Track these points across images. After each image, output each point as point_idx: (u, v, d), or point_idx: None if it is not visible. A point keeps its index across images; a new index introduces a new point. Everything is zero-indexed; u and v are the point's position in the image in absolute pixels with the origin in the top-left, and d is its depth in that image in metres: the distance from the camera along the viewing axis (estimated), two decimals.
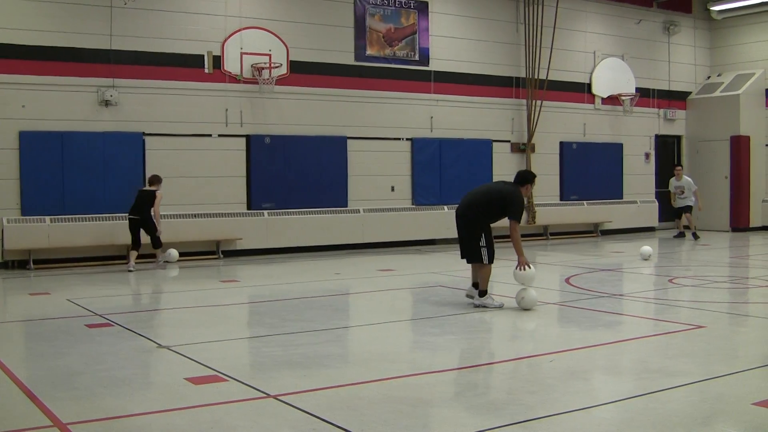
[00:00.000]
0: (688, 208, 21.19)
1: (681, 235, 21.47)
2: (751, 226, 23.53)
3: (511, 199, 10.67)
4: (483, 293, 10.81)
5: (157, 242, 15.68)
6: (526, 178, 11.10)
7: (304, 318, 10.27)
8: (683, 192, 21.29)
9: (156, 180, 15.74)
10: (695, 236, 21.02)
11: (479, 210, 10.75)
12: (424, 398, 6.59)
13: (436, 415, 6.20)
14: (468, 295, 11.17)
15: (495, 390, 6.88)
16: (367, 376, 7.16)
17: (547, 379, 7.22)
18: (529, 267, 10.67)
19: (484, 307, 10.72)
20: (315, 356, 8.05)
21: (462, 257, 11.12)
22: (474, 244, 10.74)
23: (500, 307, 10.67)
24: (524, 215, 21.32)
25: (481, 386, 6.97)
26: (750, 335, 9.49)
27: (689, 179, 21.38)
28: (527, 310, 10.56)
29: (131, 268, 15.27)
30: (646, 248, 16.77)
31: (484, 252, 10.71)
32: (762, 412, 6.09)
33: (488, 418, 6.01)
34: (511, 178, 20.93)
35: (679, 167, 21.80)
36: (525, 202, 10.94)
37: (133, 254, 15.50)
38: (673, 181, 21.65)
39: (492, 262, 10.81)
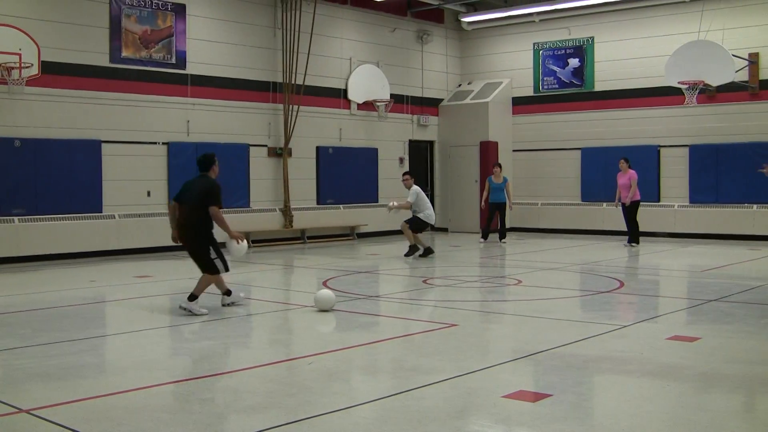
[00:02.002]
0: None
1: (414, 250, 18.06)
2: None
3: (209, 190, 10.73)
4: (194, 297, 10.69)
5: None
6: (206, 162, 11.07)
7: (57, 328, 9.92)
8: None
9: None
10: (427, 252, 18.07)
11: (199, 216, 10.70)
12: (182, 405, 6.53)
13: (193, 421, 6.15)
14: (225, 304, 11.19)
15: (255, 394, 6.89)
16: (125, 385, 7.01)
17: (306, 381, 7.30)
18: (243, 240, 10.90)
19: (190, 312, 10.56)
20: (70, 367, 7.81)
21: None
22: (205, 256, 10.80)
23: (206, 314, 10.58)
24: (282, 217, 21.52)
25: (242, 391, 6.96)
26: (499, 332, 9.93)
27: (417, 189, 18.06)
28: (325, 311, 10.69)
29: None
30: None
31: (218, 263, 10.79)
32: (511, 403, 6.39)
33: (249, 422, 6.02)
34: (268, 183, 21.07)
35: (407, 176, 18.56)
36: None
37: None
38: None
39: (228, 270, 10.97)
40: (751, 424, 6.17)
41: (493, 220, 21.55)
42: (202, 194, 10.68)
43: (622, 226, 20.87)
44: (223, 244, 10.96)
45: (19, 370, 7.75)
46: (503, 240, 21.37)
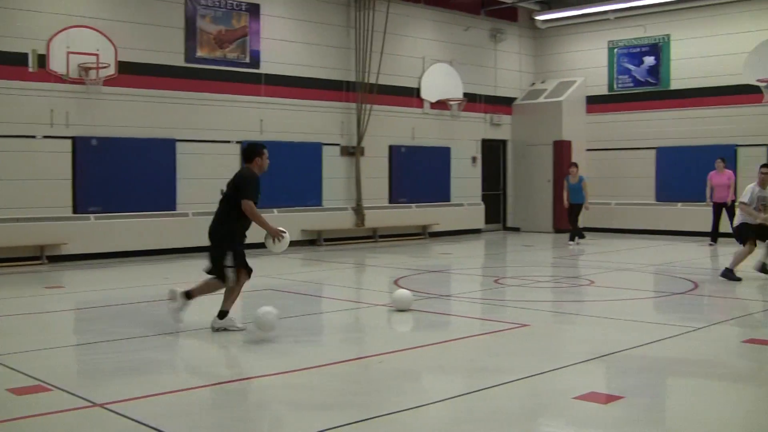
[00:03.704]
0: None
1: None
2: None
3: (240, 181, 9.49)
4: (224, 314, 9.53)
5: None
6: (251, 152, 9.72)
7: (132, 324, 10.06)
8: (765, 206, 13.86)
9: None
10: None
11: (226, 212, 9.58)
12: (257, 401, 6.58)
13: (268, 417, 6.20)
14: (215, 328, 9.57)
15: (327, 392, 6.92)
16: (198, 381, 7.10)
17: (377, 380, 7.31)
18: (283, 235, 9.46)
19: (225, 329, 9.47)
20: (144, 363, 7.92)
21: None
22: (218, 260, 9.56)
23: (243, 329, 9.51)
24: (354, 214, 21.58)
25: (314, 388, 6.99)
26: (572, 332, 9.83)
27: None
28: (402, 311, 10.64)
29: None
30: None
31: (228, 272, 9.47)
32: (582, 405, 6.32)
33: (321, 419, 6.04)
34: (340, 182, 21.12)
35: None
36: (258, 180, 9.63)
37: None
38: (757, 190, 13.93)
39: (235, 284, 9.58)
40: None
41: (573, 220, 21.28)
42: (233, 186, 9.56)
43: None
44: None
45: (94, 365, 7.89)
46: (572, 242, 21.00)
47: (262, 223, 9.41)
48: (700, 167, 21.90)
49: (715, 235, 20.25)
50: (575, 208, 20.92)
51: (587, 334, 9.59)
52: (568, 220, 21.29)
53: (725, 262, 17.31)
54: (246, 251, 9.60)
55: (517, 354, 8.26)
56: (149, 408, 6.31)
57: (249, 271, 9.70)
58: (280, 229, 9.53)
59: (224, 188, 9.74)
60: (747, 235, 13.68)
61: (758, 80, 20.42)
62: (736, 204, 17.76)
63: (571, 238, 20.98)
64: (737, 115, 22.62)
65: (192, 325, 10.14)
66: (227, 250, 9.48)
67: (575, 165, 21.30)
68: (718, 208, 20.23)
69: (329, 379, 7.38)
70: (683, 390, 7.11)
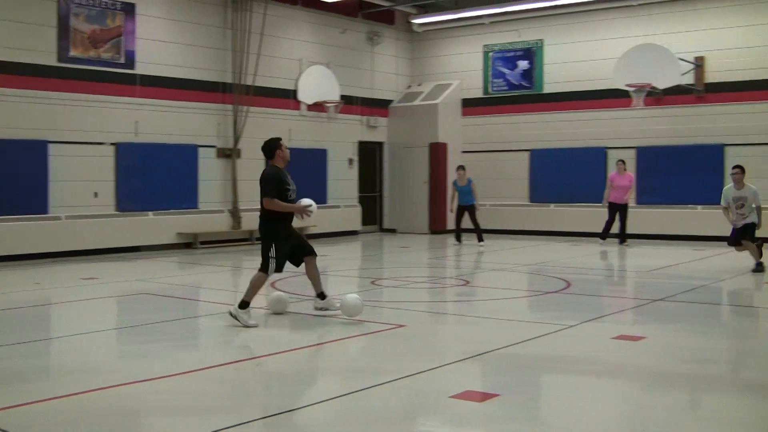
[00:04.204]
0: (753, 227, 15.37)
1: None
2: (448, 228, 24.58)
3: (261, 182, 10.15)
4: (245, 304, 9.80)
5: None
6: (270, 148, 10.42)
7: (1, 331, 9.81)
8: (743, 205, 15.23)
9: None
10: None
11: (263, 208, 10.09)
12: (132, 408, 6.48)
13: (144, 424, 6.12)
14: (317, 307, 10.65)
15: (204, 396, 6.86)
16: (71, 389, 6.93)
17: (255, 382, 7.29)
18: (309, 210, 10.29)
19: (236, 319, 9.76)
20: (12, 371, 7.70)
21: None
22: (264, 252, 10.06)
23: (255, 326, 9.71)
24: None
25: (191, 393, 6.93)
26: (447, 332, 9.97)
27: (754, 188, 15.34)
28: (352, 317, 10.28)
29: None
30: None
31: (271, 263, 9.97)
32: (458, 404, 6.42)
33: (199, 424, 5.99)
34: (216, 184, 20.98)
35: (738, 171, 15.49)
36: (280, 172, 10.30)
37: None
38: (730, 191, 15.38)
39: (279, 271, 10.09)
40: (697, 422, 6.26)
41: (461, 222, 21.38)
42: (260, 186, 10.16)
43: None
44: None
45: None
46: (481, 242, 20.95)
47: (288, 209, 10.17)
48: (572, 169, 22.51)
49: (605, 234, 20.73)
50: (465, 210, 21.12)
51: (463, 333, 9.73)
52: (456, 222, 21.43)
53: (610, 261, 17.83)
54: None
55: (393, 355, 8.34)
56: (19, 418, 6.14)
57: (312, 252, 10.63)
58: (304, 204, 10.30)
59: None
60: (736, 237, 15.28)
61: (627, 85, 20.99)
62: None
63: (480, 239, 20.87)
64: (607, 118, 23.28)
65: (66, 332, 9.96)
66: (272, 242, 10.04)
67: (463, 168, 21.52)
68: (614, 209, 20.70)
69: (207, 384, 7.32)
70: (557, 386, 7.28)
